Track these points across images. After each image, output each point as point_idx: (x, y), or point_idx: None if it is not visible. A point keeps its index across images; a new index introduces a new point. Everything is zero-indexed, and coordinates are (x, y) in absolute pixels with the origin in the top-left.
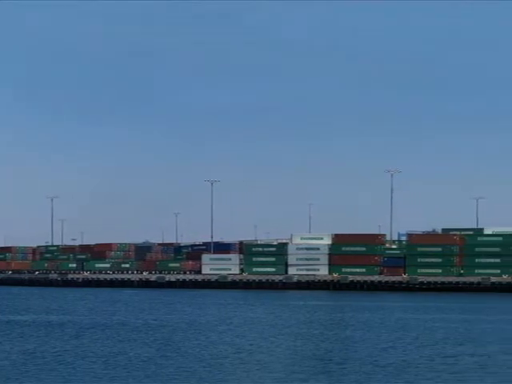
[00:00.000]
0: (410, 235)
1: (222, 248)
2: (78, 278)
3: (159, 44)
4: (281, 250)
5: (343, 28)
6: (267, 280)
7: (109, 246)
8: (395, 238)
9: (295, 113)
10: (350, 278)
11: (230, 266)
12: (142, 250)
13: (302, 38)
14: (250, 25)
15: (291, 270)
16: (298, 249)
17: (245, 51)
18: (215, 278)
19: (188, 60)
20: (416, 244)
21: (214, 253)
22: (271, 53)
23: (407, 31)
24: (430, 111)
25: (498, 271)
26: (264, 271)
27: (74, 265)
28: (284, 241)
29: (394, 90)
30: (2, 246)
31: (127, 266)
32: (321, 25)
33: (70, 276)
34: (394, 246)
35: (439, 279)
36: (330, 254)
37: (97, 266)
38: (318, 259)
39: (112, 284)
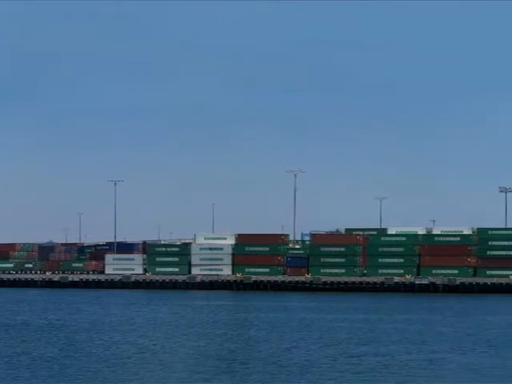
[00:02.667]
0: (313, 235)
1: (125, 248)
2: None
3: (53, 44)
4: (184, 250)
5: (234, 28)
6: (171, 280)
7: (12, 246)
8: (298, 238)
9: (195, 112)
10: (254, 278)
11: (133, 266)
12: (46, 250)
13: (193, 38)
14: (146, 25)
15: (194, 270)
16: (201, 249)
17: (140, 51)
18: (118, 278)
19: (85, 60)
20: (319, 244)
21: (118, 253)
22: (167, 53)
23: (295, 32)
24: (330, 111)
25: (402, 271)
26: (167, 271)
27: None
28: (187, 241)
29: (294, 90)
30: None
31: (30, 266)
32: (214, 25)
33: None
34: (297, 246)
35: (342, 279)
36: (233, 254)
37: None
38: (222, 259)
39: (15, 284)
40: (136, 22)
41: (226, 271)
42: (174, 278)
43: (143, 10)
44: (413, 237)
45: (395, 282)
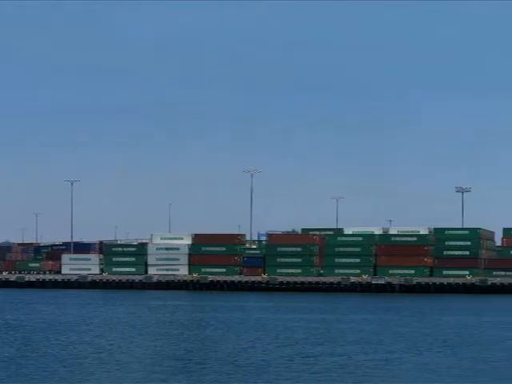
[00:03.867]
0: (269, 235)
1: (82, 248)
2: None
3: (14, 43)
4: (141, 250)
5: (193, 29)
6: (127, 280)
7: None
8: (255, 238)
9: (153, 112)
10: (210, 278)
11: (89, 266)
12: (2, 250)
13: (153, 38)
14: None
15: (151, 270)
16: (157, 249)
17: (101, 52)
18: (75, 278)
19: (41, 59)
20: (276, 244)
21: (74, 253)
22: (124, 53)
23: (251, 32)
24: (287, 111)
25: (358, 271)
26: (124, 271)
27: None
28: (144, 241)
29: (252, 90)
30: None
31: None
32: (173, 26)
33: None
34: (253, 246)
35: (299, 279)
36: (189, 254)
37: None
38: (178, 259)
39: None
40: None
41: (183, 271)
42: (130, 277)
43: (109, 10)
44: (369, 237)
45: (352, 282)
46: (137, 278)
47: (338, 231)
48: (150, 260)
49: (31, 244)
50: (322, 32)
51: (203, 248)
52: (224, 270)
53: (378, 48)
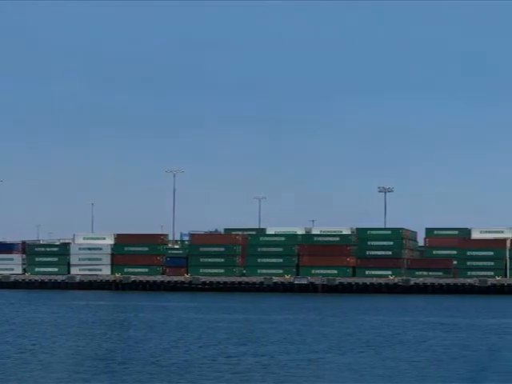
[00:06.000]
0: (192, 235)
1: (4, 248)
2: None
3: None
4: (63, 250)
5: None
6: (50, 280)
7: None
8: (178, 238)
9: (75, 111)
10: (133, 277)
11: (12, 266)
12: None
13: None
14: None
15: (74, 270)
16: (80, 249)
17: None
18: None
19: None
20: (198, 244)
21: None
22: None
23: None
24: (208, 111)
25: (281, 271)
26: (47, 271)
27: None
28: (67, 241)
29: (172, 90)
30: None
31: None
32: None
33: None
34: (176, 246)
35: (222, 279)
36: (112, 254)
37: None
38: (101, 259)
39: None
40: None
41: (105, 271)
42: (53, 277)
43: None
44: (292, 237)
45: (274, 282)
46: (59, 278)
47: (261, 231)
48: (73, 260)
49: None
50: (239, 32)
51: (126, 248)
52: (147, 269)
53: (303, 47)
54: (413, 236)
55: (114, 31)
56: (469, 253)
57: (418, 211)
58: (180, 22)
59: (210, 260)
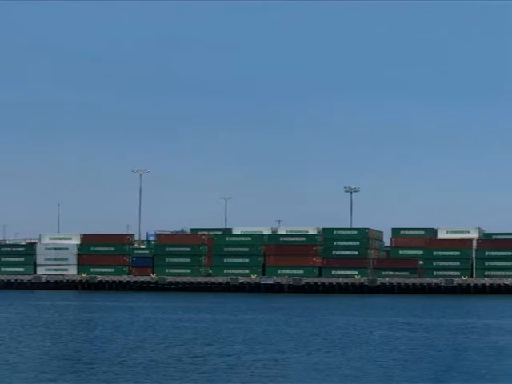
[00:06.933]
0: (158, 235)
1: None
2: None
3: None
4: (29, 250)
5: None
6: (16, 280)
7: None
8: (144, 238)
9: (38, 111)
10: (99, 278)
11: None
12: None
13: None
14: None
15: (40, 270)
16: (46, 249)
17: None
18: None
19: None
20: (164, 244)
21: None
22: None
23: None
24: (177, 110)
25: (247, 271)
26: (13, 271)
27: None
28: (33, 241)
29: (141, 90)
30: None
31: None
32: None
33: None
34: (142, 246)
35: (188, 279)
36: (78, 254)
37: None
38: (67, 259)
39: None
40: None
41: (72, 271)
42: (19, 277)
43: None
44: (258, 237)
45: (240, 282)
46: (26, 278)
47: (227, 231)
48: (39, 260)
49: None
50: (213, 30)
51: (92, 248)
52: (113, 269)
53: (280, 48)
54: (379, 236)
55: (79, 29)
56: (435, 253)
57: (385, 211)
58: (153, 20)
59: (176, 260)
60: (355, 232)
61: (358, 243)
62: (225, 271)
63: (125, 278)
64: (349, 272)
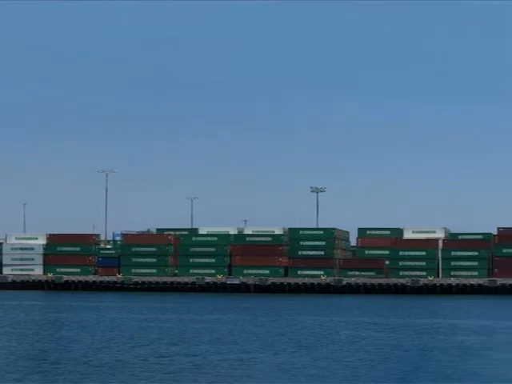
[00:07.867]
0: (124, 235)
1: None
2: None
3: None
4: None
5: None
6: None
7: None
8: (110, 238)
9: (6, 111)
10: (65, 278)
11: None
12: None
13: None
14: None
15: (6, 270)
16: (12, 249)
17: None
18: None
19: None
20: (130, 244)
21: None
22: None
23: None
24: (145, 110)
25: (213, 271)
26: None
27: None
28: None
29: (111, 88)
30: None
31: None
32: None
33: None
34: (108, 246)
35: (154, 279)
36: (44, 254)
37: None
38: (33, 259)
39: None
40: None
41: (38, 271)
42: None
43: None
44: (224, 237)
45: (206, 282)
46: None
47: (193, 231)
48: (5, 260)
49: None
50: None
51: (58, 248)
52: (79, 270)
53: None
54: (345, 236)
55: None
56: (401, 253)
57: (351, 211)
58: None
59: (142, 260)
60: (321, 232)
61: (323, 243)
62: (191, 271)
63: (91, 278)
64: (315, 272)
